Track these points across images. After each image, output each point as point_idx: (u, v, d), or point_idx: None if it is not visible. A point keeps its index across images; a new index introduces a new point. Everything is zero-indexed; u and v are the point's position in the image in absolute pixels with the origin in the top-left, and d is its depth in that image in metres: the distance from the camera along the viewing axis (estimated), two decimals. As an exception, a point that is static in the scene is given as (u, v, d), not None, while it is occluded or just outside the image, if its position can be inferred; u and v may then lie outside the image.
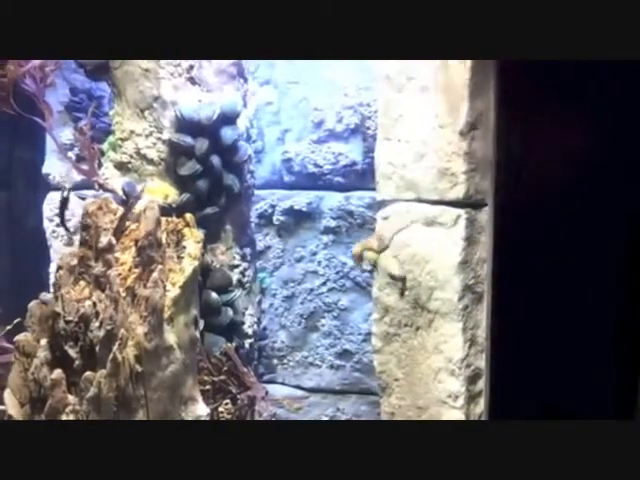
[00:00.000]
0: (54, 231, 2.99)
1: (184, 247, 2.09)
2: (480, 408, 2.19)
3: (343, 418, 3.01)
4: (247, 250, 2.78)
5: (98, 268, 1.89)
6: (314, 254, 3.00)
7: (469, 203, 2.08)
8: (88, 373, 1.81)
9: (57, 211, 2.51)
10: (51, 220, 2.98)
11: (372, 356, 2.38)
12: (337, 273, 2.97)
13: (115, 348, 1.78)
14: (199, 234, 2.12)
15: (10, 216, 3.28)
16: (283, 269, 3.05)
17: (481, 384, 2.19)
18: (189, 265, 2.04)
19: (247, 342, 2.72)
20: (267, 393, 2.45)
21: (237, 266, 2.71)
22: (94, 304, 1.86)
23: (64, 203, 2.29)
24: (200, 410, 1.95)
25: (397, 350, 2.28)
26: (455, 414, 2.18)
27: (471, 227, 2.08)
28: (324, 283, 2.98)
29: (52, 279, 2.99)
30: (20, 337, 1.93)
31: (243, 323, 2.68)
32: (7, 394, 1.92)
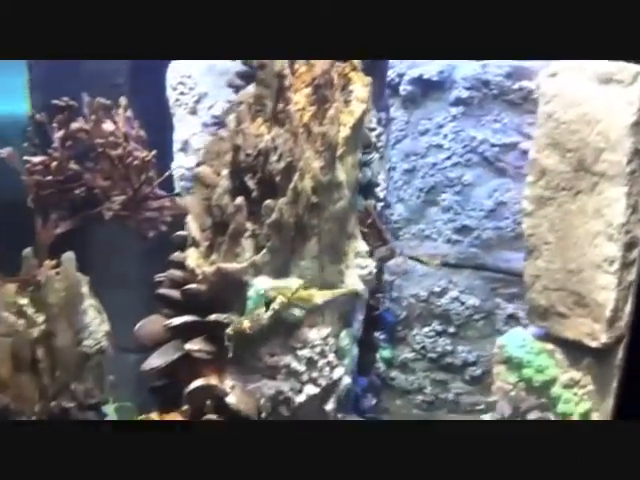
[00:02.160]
0: (177, 100, 2.94)
1: (351, 91, 2.06)
2: (632, 276, 2.15)
3: (455, 291, 3.00)
4: (382, 115, 2.72)
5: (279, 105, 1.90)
6: (440, 127, 2.90)
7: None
8: (269, 201, 1.83)
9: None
10: (174, 89, 2.93)
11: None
12: (464, 147, 2.88)
13: (295, 178, 1.79)
14: (367, 78, 2.08)
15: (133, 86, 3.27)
16: (405, 142, 2.98)
17: (635, 253, 2.15)
18: (358, 107, 2.02)
19: (379, 205, 2.69)
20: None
21: (374, 129, 2.66)
22: (272, 139, 1.85)
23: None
24: (361, 246, 1.98)
25: (551, 214, 2.24)
26: (608, 279, 2.15)
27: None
28: (449, 157, 2.89)
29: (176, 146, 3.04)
30: (200, 169, 1.95)
31: (377, 185, 2.65)
32: (190, 219, 1.95)
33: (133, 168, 2.43)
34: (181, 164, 3.08)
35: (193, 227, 1.94)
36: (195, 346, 1.79)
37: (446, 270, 2.98)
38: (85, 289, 2.49)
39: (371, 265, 1.93)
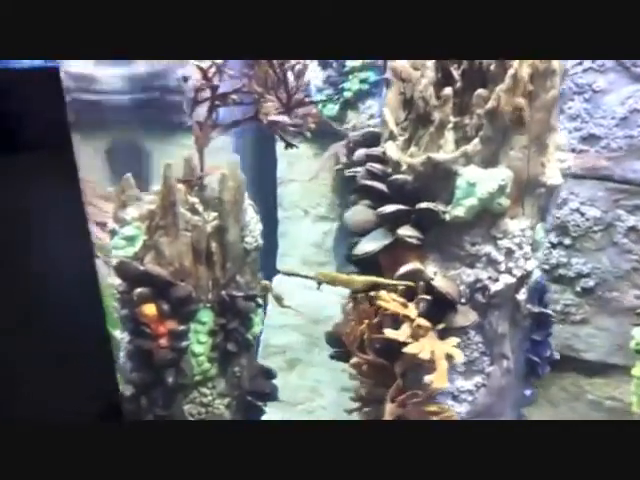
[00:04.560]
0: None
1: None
2: None
3: (576, 202, 3.04)
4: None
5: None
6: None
7: None
8: (482, 90, 1.87)
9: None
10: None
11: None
12: (596, 52, 2.86)
13: (516, 64, 1.82)
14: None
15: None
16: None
17: None
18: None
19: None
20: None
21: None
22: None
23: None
24: (560, 139, 2.02)
25: None
26: None
27: None
28: (579, 62, 2.89)
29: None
30: (396, 64, 2.00)
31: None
32: (387, 113, 2.01)
33: (292, 73, 2.49)
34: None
35: (390, 121, 2.00)
36: (407, 232, 1.88)
37: (568, 181, 3.04)
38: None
39: (570, 159, 1.97)
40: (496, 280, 1.91)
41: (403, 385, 1.97)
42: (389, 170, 1.98)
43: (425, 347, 1.75)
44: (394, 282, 1.82)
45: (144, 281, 2.51)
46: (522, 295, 1.98)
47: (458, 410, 2.00)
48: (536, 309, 2.07)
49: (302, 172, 3.90)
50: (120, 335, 2.66)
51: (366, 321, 1.88)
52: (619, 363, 3.06)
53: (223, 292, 2.67)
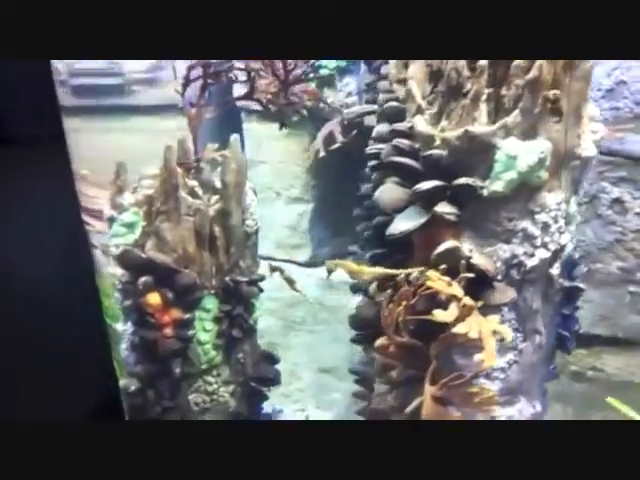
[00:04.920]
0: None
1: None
2: None
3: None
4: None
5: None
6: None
7: None
8: (519, 61, 1.81)
9: None
10: None
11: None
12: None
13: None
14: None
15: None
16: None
17: None
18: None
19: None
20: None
21: None
22: None
23: None
24: (593, 110, 1.99)
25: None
26: None
27: None
28: None
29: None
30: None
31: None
32: (413, 87, 1.94)
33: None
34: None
35: (417, 94, 1.92)
36: (445, 209, 1.82)
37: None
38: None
39: (602, 130, 1.94)
40: (532, 255, 1.87)
41: (439, 367, 1.91)
42: (417, 145, 1.91)
43: (473, 326, 1.69)
44: (403, 271, 1.76)
45: (147, 269, 2.38)
46: (556, 270, 1.95)
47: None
48: (567, 283, 2.03)
49: (271, 153, 3.79)
50: (122, 327, 2.53)
51: (404, 302, 1.81)
52: (602, 334, 3.09)
53: (227, 278, 2.57)
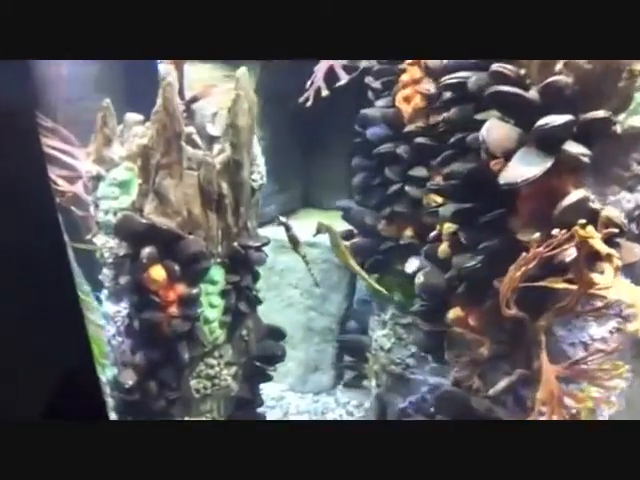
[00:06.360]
0: None
1: None
2: None
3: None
4: None
5: None
6: None
7: None
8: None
9: None
10: None
11: None
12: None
13: None
14: None
15: None
16: None
17: None
18: None
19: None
20: None
21: None
22: None
23: None
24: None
25: None
26: None
27: None
28: None
29: None
30: None
31: None
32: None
33: None
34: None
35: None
36: (577, 149, 1.48)
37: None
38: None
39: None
40: (657, 206, 1.56)
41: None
42: (522, 72, 1.55)
43: (624, 291, 1.38)
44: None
45: (149, 238, 1.90)
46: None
47: (590, 359, 1.65)
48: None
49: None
50: (113, 310, 2.04)
51: (523, 268, 1.46)
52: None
53: (235, 243, 2.12)
